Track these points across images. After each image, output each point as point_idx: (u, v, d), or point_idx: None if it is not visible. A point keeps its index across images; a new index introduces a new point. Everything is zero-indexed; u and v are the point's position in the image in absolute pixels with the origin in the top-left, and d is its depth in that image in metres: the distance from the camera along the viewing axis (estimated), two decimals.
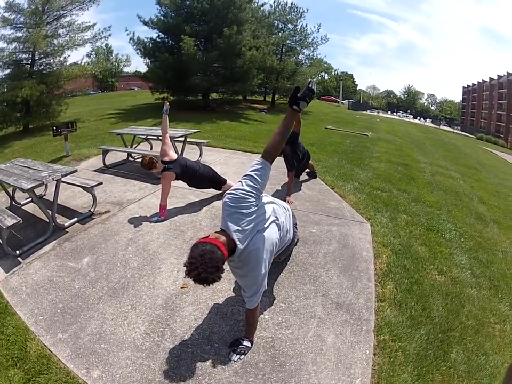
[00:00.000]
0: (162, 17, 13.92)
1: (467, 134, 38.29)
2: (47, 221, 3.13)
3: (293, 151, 4.01)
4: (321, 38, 19.39)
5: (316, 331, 2.05)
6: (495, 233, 4.27)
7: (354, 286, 2.44)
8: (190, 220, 3.46)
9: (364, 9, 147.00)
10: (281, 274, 2.56)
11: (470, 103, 62.54)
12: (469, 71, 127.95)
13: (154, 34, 14.88)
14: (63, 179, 3.24)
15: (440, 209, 4.55)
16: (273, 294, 2.35)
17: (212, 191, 3.99)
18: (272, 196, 3.80)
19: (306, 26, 18.51)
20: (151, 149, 6.07)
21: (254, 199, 1.63)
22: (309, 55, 19.69)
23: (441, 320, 2.30)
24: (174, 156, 3.42)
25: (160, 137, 3.56)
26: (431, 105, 79.29)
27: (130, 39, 13.69)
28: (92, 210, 3.58)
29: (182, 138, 5.17)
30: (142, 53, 14.08)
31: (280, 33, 18.11)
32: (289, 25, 18.46)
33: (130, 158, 5.73)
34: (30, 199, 3.62)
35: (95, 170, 5.18)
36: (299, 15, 18.23)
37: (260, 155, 1.70)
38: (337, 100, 44.00)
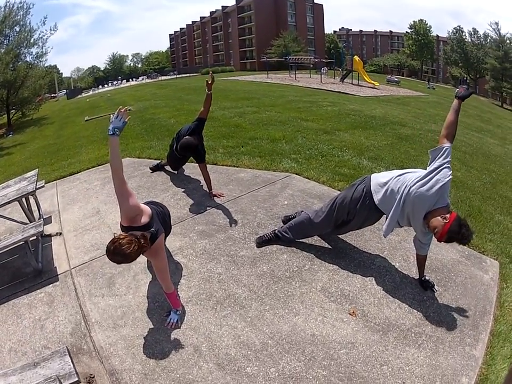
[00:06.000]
0: None
1: (191, 74, 48.78)
2: None
3: (201, 138, 4.02)
4: (50, 29, 20.97)
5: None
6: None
7: None
8: (201, 278, 2.86)
9: None
10: None
11: (180, 47, 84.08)
12: (173, 20, 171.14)
13: None
14: None
15: None
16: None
17: None
18: (202, 198, 4.18)
19: (30, 23, 19.69)
20: None
21: None
22: (37, 53, 20.96)
23: None
24: (147, 208, 2.34)
25: None
26: (138, 64, 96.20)
27: None
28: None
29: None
30: None
31: (7, 40, 19.09)
32: (16, 27, 19.22)
33: None
34: None
35: None
36: (25, 11, 19.11)
37: (444, 141, 2.33)
38: (53, 94, 47.72)
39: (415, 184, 2.30)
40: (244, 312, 2.50)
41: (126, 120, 2.16)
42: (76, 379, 1.74)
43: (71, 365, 1.78)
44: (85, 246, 3.36)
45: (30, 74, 19.95)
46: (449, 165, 2.27)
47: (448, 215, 2.19)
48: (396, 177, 2.48)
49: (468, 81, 2.48)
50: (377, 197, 2.54)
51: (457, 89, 2.44)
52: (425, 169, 2.36)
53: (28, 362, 1.87)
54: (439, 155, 2.29)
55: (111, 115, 2.16)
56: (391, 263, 2.97)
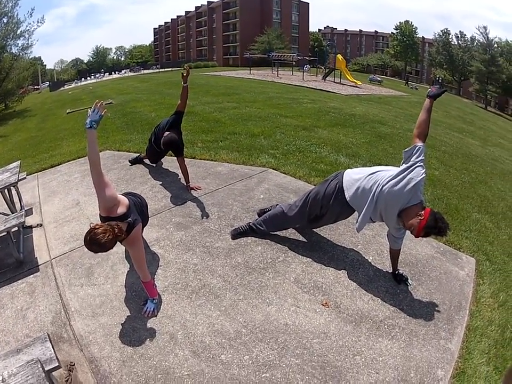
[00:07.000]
0: None
1: (174, 68, 48.27)
2: None
3: (179, 132, 4.07)
4: (38, 21, 21.15)
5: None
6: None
7: None
8: (177, 268, 2.91)
9: None
10: None
11: (164, 40, 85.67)
12: (159, 13, 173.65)
13: None
14: None
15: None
16: None
17: None
18: (179, 191, 4.23)
19: (17, 15, 19.82)
20: None
21: None
22: (23, 45, 21.01)
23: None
24: (125, 199, 2.38)
25: None
26: (121, 57, 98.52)
27: None
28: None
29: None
30: None
31: None
32: (4, 19, 19.22)
33: None
34: None
35: None
36: (14, 3, 19.10)
37: (417, 141, 2.39)
38: (36, 86, 47.58)
39: (387, 182, 2.37)
40: (218, 301, 2.57)
41: (102, 113, 2.23)
42: (57, 364, 1.77)
43: (52, 350, 1.81)
44: (64, 237, 3.38)
45: (15, 66, 20.09)
46: (422, 164, 2.34)
47: (422, 212, 2.26)
48: (368, 175, 2.55)
49: (440, 81, 2.54)
50: (348, 194, 2.60)
51: (429, 89, 2.51)
52: (399, 167, 2.43)
53: (11, 349, 1.89)
54: (412, 154, 2.35)
55: (88, 109, 2.22)
56: (365, 257, 3.06)
